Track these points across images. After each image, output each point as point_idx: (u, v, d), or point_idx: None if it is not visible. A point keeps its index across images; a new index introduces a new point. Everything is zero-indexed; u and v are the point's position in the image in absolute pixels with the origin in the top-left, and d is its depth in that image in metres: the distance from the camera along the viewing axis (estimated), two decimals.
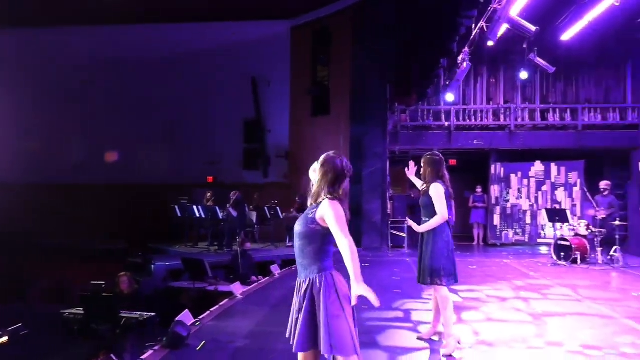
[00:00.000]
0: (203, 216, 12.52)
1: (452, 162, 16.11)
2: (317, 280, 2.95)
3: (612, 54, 14.42)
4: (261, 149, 16.97)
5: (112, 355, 5.17)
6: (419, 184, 5.36)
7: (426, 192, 5.05)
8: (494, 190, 14.87)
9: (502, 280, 8.90)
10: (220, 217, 12.14)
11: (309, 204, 3.18)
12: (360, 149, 13.84)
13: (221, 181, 16.70)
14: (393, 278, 9.27)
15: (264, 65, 16.86)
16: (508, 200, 14.82)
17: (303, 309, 2.94)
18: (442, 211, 4.95)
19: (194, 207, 12.82)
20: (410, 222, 5.33)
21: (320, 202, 3.01)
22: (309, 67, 15.78)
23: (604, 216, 10.85)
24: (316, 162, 3.20)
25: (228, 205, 12.27)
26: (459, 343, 4.95)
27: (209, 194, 13.38)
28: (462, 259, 11.72)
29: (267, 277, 9.18)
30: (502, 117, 14.73)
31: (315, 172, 3.18)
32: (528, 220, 14.67)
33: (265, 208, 13.35)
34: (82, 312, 6.92)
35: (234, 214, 12.22)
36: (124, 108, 16.82)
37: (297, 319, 2.98)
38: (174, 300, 8.98)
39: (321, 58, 15.24)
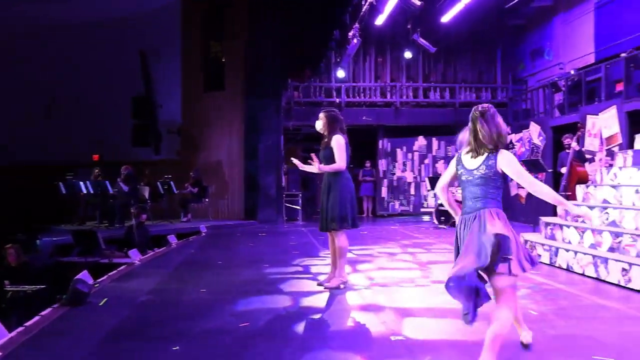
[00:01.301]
0: (92, 192, 11.98)
1: None
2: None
3: (484, 38, 15.79)
4: (152, 125, 16.47)
5: None
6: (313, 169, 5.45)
7: (327, 144, 5.37)
8: (382, 164, 15.73)
9: (390, 241, 9.56)
10: (111, 192, 11.70)
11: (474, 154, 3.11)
12: (255, 124, 13.96)
13: (110, 159, 16.02)
14: (290, 243, 9.60)
15: (154, 39, 16.34)
16: (394, 174, 15.76)
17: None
18: (341, 161, 5.30)
19: (81, 183, 12.21)
20: (311, 162, 5.34)
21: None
22: (201, 41, 15.52)
23: None
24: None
25: (119, 180, 11.86)
26: (342, 284, 5.38)
27: (96, 171, 12.80)
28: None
29: (164, 247, 9.08)
30: (388, 94, 15.59)
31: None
32: (412, 191, 15.72)
33: (158, 184, 13.06)
34: None
35: (125, 188, 11.83)
36: (2, 85, 15.54)
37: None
38: (65, 275, 8.60)
39: (214, 33, 15.07)
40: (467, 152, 3.17)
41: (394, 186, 15.76)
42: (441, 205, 12.09)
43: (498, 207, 3.07)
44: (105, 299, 5.14)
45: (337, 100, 15.22)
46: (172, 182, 12.92)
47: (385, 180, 15.74)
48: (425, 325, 4.05)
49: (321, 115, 5.48)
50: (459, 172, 3.21)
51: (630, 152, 7.25)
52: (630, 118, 9.54)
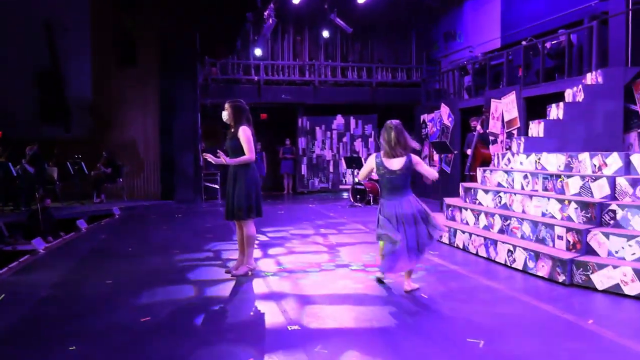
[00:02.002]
0: None
1: (263, 116, 16.76)
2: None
3: (400, 19, 16.17)
4: (60, 102, 15.60)
5: None
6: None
7: (234, 135, 5.40)
8: (301, 142, 15.89)
9: (305, 221, 9.79)
10: (15, 174, 11.11)
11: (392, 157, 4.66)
12: (170, 101, 13.64)
13: (17, 136, 15.07)
14: (206, 225, 9.61)
15: (61, 10, 15.37)
16: (314, 152, 15.98)
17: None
18: (250, 152, 5.36)
19: None
20: (219, 155, 5.39)
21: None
22: (113, 13, 14.80)
23: None
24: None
25: (23, 161, 11.28)
26: (249, 272, 5.53)
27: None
28: (271, 206, 12.49)
29: (73, 233, 8.81)
30: (307, 73, 15.68)
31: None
32: (331, 169, 16.04)
33: (68, 164, 12.53)
34: None
35: (31, 170, 11.29)
36: None
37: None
38: None
39: (126, 5, 14.40)
40: (385, 156, 4.70)
41: (313, 164, 16.01)
42: (357, 184, 12.46)
43: (412, 193, 4.78)
44: (2, 295, 4.99)
45: (256, 78, 15.14)
46: (82, 163, 12.45)
47: (305, 158, 15.95)
48: (322, 313, 4.25)
49: (227, 105, 5.50)
50: (382, 172, 4.71)
51: (522, 139, 7.80)
52: (528, 104, 10.21)
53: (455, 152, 11.26)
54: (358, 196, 12.40)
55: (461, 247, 6.82)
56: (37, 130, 15.54)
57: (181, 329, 3.97)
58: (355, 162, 12.63)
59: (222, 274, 5.65)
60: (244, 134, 5.32)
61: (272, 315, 4.24)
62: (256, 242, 6.29)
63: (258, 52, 14.69)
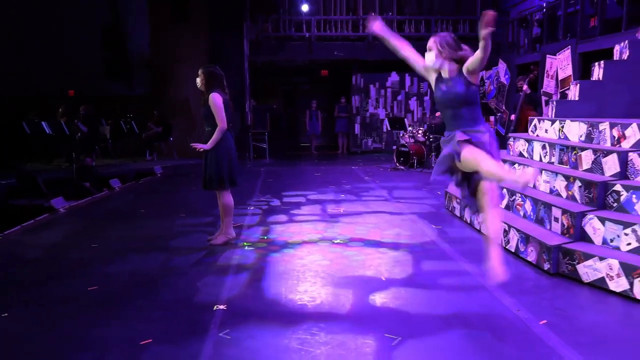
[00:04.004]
0: (52, 133, 12.06)
1: (324, 72, 16.44)
2: None
3: None
4: (123, 58, 16.17)
5: None
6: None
7: (206, 102, 5.26)
8: (355, 100, 15.44)
9: (333, 185, 9.57)
10: (68, 133, 11.76)
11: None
12: (218, 58, 13.64)
13: (86, 94, 15.87)
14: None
15: None
16: (367, 110, 15.49)
17: None
18: (221, 121, 5.22)
19: (43, 123, 12.27)
20: (197, 145, 5.31)
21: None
22: None
23: (437, 123, 11.73)
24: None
25: (76, 121, 11.88)
26: (227, 241, 5.45)
27: (60, 109, 12.83)
28: (314, 167, 12.38)
29: (105, 191, 9.20)
30: (361, 28, 15.02)
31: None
32: (385, 128, 15.50)
33: (121, 122, 13.06)
34: None
35: (84, 129, 11.88)
36: None
37: None
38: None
39: None
40: None
41: (367, 123, 15.55)
42: (402, 146, 11.96)
43: None
44: None
45: (307, 34, 14.75)
46: (133, 122, 12.91)
47: (359, 117, 15.52)
48: (259, 294, 4.10)
49: (200, 71, 5.33)
50: None
51: (555, 102, 6.98)
52: (585, 60, 9.13)
53: (499, 114, 10.40)
54: (402, 159, 11.92)
55: (468, 222, 6.32)
56: (102, 87, 16.28)
57: (118, 301, 3.98)
58: (399, 123, 12.09)
59: (202, 243, 5.64)
60: (214, 100, 5.15)
61: (214, 292, 4.14)
62: (251, 208, 6.18)
63: (305, 7, 14.25)
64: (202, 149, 5.27)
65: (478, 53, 3.19)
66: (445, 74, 3.47)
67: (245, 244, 5.58)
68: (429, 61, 3.47)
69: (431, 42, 3.46)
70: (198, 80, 5.32)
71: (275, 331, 3.40)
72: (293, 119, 17.23)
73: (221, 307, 3.81)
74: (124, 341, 3.29)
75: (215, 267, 4.84)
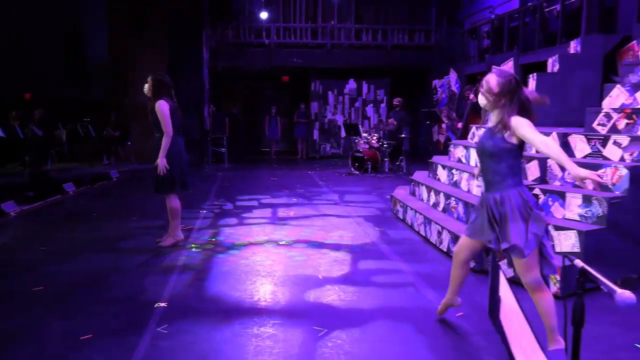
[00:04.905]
0: (4, 136, 11.95)
1: (285, 78, 16.68)
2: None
3: None
4: (82, 63, 16.07)
5: None
6: None
7: (152, 109, 5.44)
8: (314, 106, 15.74)
9: (287, 189, 9.81)
10: (21, 137, 11.67)
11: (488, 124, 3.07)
12: (177, 65, 13.77)
13: (43, 97, 15.66)
14: (188, 191, 9.77)
15: None
16: (325, 116, 15.81)
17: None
18: (167, 129, 5.40)
19: None
20: (160, 163, 5.39)
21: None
22: None
23: (391, 129, 12.13)
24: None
25: (31, 125, 11.79)
26: (175, 243, 5.64)
27: (13, 113, 12.69)
28: (270, 172, 12.58)
29: (58, 195, 9.19)
30: (320, 36, 15.35)
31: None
32: (342, 134, 15.84)
33: (78, 127, 13.01)
34: None
35: (39, 132, 11.80)
36: None
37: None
38: None
39: None
40: None
41: (325, 129, 15.86)
42: (357, 152, 12.29)
43: None
44: None
45: (267, 41, 14.99)
46: (89, 126, 12.88)
47: (317, 123, 15.82)
48: (199, 293, 4.30)
49: (149, 78, 5.50)
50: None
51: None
52: (526, 72, 9.61)
53: (446, 121, 10.85)
54: (357, 164, 12.25)
55: (409, 224, 6.66)
56: (60, 91, 16.10)
57: (60, 300, 4.12)
58: (353, 129, 12.43)
59: (153, 244, 5.79)
60: (161, 108, 5.33)
61: (153, 291, 4.31)
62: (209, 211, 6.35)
63: (264, 15, 14.50)
64: (163, 162, 5.36)
65: (539, 144, 2.78)
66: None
67: (192, 245, 5.77)
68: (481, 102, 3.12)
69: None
70: (146, 86, 5.49)
71: (211, 326, 3.62)
72: (253, 124, 17.43)
73: (162, 304, 4.00)
74: (65, 335, 3.45)
75: (161, 267, 5.01)
